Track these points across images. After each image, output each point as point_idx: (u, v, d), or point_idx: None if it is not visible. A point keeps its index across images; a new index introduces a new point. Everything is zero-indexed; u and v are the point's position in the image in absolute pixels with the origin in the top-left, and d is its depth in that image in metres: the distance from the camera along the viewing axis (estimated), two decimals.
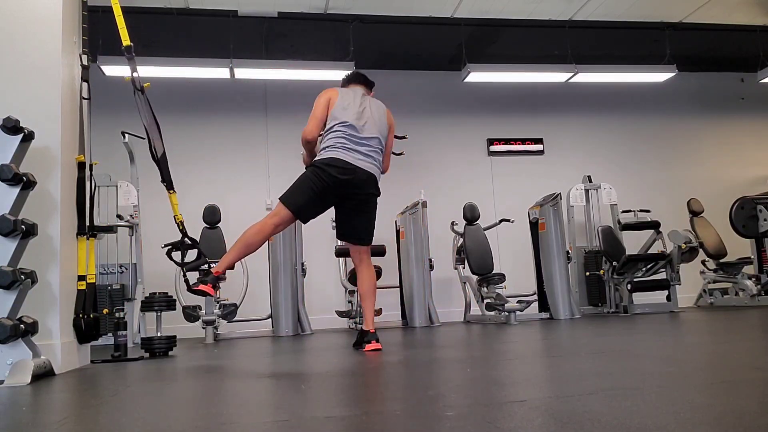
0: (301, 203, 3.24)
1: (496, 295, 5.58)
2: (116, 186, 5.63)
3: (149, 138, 3.37)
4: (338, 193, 3.27)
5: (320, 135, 3.40)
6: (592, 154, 7.69)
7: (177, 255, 3.35)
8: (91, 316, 3.14)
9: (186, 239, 3.40)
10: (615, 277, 6.19)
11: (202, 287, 3.05)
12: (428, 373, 2.25)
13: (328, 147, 3.28)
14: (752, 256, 6.57)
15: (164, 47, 6.39)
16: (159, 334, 3.86)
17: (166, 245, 3.36)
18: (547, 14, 6.66)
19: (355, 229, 3.38)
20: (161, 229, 5.90)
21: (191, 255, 3.43)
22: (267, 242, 5.72)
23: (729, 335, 3.36)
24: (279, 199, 3.29)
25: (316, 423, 1.40)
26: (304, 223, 3.45)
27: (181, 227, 3.41)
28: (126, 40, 3.28)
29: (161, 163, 3.39)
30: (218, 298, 5.26)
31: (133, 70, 3.31)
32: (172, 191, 3.45)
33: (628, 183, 7.47)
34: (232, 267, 3.37)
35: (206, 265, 3.32)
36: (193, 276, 3.26)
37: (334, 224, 5.99)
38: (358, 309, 5.53)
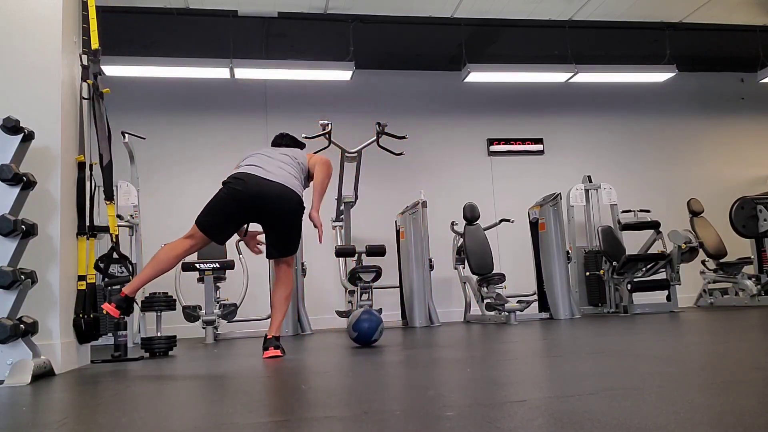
0: (213, 224, 3.11)
1: (496, 295, 5.58)
2: (116, 186, 5.63)
3: (99, 144, 3.36)
4: (248, 208, 3.12)
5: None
6: (592, 154, 7.68)
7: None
8: (91, 316, 3.14)
9: (115, 254, 3.42)
10: (615, 277, 6.18)
11: (105, 306, 2.94)
12: (428, 373, 2.25)
13: (238, 166, 3.23)
14: (752, 256, 6.57)
15: (164, 47, 6.39)
16: (159, 334, 3.86)
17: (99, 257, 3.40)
18: (547, 14, 6.66)
19: (274, 247, 3.23)
20: (161, 229, 5.93)
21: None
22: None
23: (729, 335, 3.36)
24: (195, 221, 3.14)
25: (316, 423, 1.40)
26: (220, 244, 3.29)
27: (113, 240, 3.42)
28: (95, 44, 3.29)
29: (105, 171, 3.35)
30: (218, 297, 5.26)
31: (97, 73, 3.32)
32: (110, 202, 3.44)
33: (628, 183, 7.47)
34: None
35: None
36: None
37: (332, 224, 6.12)
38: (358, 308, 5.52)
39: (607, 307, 6.34)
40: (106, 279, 3.55)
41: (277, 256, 3.27)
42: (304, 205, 3.22)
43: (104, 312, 2.97)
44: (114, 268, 3.54)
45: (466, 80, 6.91)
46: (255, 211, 3.16)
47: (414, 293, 5.78)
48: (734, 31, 7.18)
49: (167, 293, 4.06)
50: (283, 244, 3.24)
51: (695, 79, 8.04)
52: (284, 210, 3.15)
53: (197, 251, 3.34)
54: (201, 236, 3.11)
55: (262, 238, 3.32)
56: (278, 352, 3.11)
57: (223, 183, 3.17)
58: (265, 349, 3.12)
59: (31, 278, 2.62)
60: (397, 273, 6.14)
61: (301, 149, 3.52)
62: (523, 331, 4.34)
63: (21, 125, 2.69)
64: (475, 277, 5.92)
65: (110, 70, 5.99)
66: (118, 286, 3.28)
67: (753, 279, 6.37)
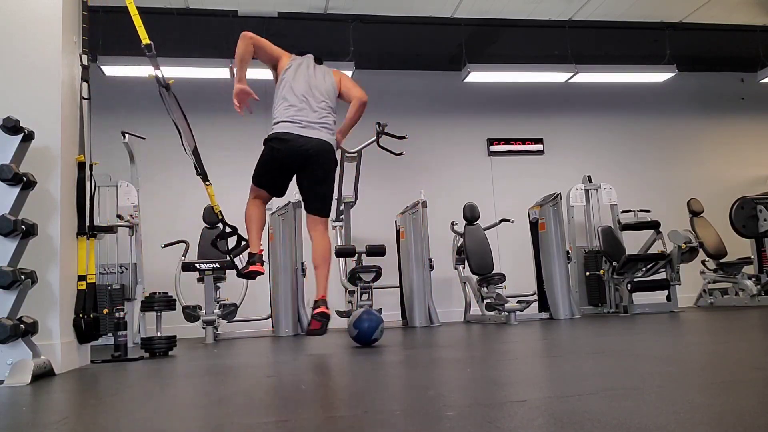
0: (263, 181, 3.44)
1: (496, 295, 5.58)
2: (116, 186, 5.63)
3: (180, 134, 3.47)
4: (290, 164, 3.37)
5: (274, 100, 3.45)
6: (592, 154, 7.68)
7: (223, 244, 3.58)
8: (91, 316, 3.14)
9: (227, 228, 3.57)
10: (615, 277, 6.18)
11: (256, 267, 3.27)
12: (428, 373, 2.25)
13: (277, 122, 3.38)
14: (752, 256, 6.57)
15: (164, 47, 6.37)
16: (159, 334, 3.86)
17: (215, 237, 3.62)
18: (547, 14, 6.66)
19: (311, 199, 3.44)
20: (161, 229, 5.93)
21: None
22: (267, 242, 5.74)
23: (729, 335, 3.36)
24: (251, 178, 3.49)
25: (316, 423, 1.40)
26: (279, 196, 3.55)
27: (220, 216, 3.59)
28: (145, 39, 3.29)
29: (195, 156, 3.49)
30: (218, 297, 5.26)
31: (156, 67, 3.34)
32: (208, 183, 3.60)
33: (628, 183, 7.47)
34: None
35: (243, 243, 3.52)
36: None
37: (332, 224, 6.11)
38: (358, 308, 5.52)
39: (607, 307, 6.34)
40: (232, 252, 3.62)
41: (313, 211, 3.44)
42: (337, 160, 3.49)
43: (254, 273, 3.33)
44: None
45: (466, 80, 6.91)
46: (296, 167, 3.39)
47: (414, 293, 5.78)
48: (734, 31, 7.18)
49: (167, 293, 4.05)
50: (317, 200, 3.42)
51: (695, 79, 8.04)
52: (320, 163, 3.36)
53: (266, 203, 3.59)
54: (258, 190, 3.45)
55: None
56: (324, 309, 3.27)
57: (265, 141, 3.40)
58: (317, 307, 3.30)
59: (31, 278, 2.62)
60: (397, 273, 6.14)
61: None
62: (523, 331, 4.34)
63: (21, 125, 2.69)
64: (475, 277, 5.92)
65: (110, 70, 6.00)
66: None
67: (753, 279, 6.37)
